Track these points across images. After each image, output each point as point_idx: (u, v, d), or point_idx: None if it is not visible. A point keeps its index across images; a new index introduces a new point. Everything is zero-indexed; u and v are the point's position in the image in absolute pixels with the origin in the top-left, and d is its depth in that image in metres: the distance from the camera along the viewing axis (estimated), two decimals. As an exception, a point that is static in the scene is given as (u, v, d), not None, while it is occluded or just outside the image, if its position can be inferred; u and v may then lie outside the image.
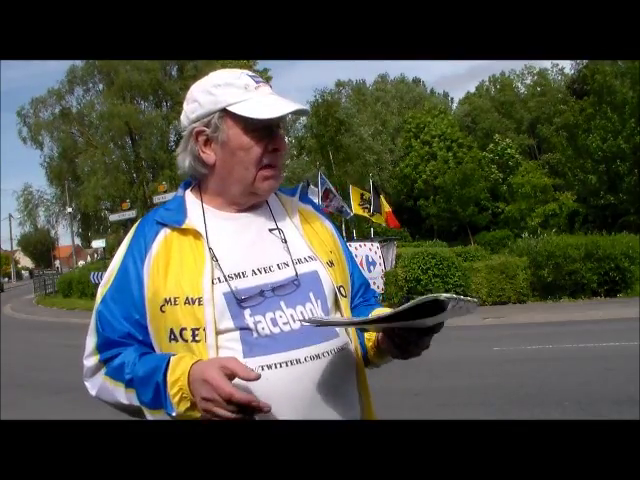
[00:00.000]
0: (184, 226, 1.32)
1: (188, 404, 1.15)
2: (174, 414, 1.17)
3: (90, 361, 1.32)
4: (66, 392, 7.40)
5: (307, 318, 1.25)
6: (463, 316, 1.24)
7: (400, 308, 1.11)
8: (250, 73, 1.36)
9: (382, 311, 1.34)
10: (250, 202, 1.38)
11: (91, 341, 1.31)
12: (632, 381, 5.57)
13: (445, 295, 1.08)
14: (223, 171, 1.34)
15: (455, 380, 6.86)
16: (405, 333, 1.23)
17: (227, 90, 1.30)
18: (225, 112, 1.30)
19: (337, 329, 1.32)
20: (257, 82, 1.33)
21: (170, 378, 1.17)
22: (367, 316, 1.36)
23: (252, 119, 1.28)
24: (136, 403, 1.23)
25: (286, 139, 1.44)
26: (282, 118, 1.32)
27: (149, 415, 1.23)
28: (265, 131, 1.31)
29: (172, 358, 1.19)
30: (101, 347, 1.29)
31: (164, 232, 1.32)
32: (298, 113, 1.36)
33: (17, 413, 6.07)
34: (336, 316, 1.34)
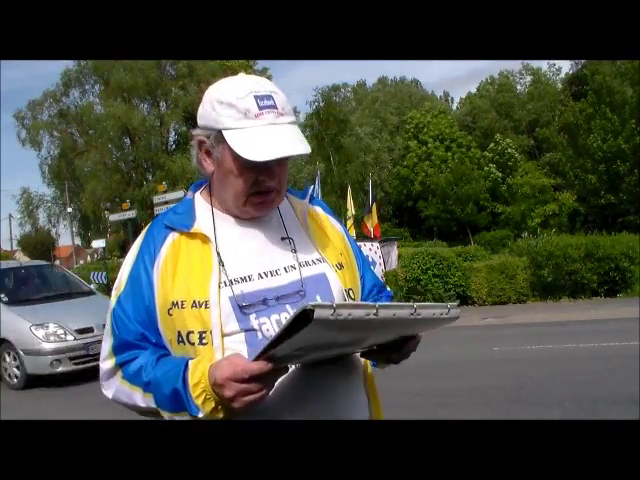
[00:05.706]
0: (192, 230, 1.32)
1: (213, 404, 1.15)
2: (201, 415, 1.16)
3: (107, 364, 1.31)
4: (66, 392, 7.40)
5: None
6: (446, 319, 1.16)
7: (277, 332, 1.04)
8: (258, 93, 1.27)
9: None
10: (249, 216, 1.36)
11: (107, 344, 1.31)
12: (632, 381, 5.56)
13: (312, 303, 0.97)
14: (219, 185, 1.35)
15: (455, 380, 6.86)
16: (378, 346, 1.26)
17: (227, 111, 1.26)
18: (221, 133, 1.27)
19: None
20: (261, 108, 1.25)
21: (191, 381, 1.16)
22: None
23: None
24: (154, 406, 1.23)
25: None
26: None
27: (168, 418, 1.22)
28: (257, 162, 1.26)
29: (190, 363, 1.19)
30: (117, 349, 1.29)
31: (172, 236, 1.33)
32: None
33: (17, 413, 6.07)
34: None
